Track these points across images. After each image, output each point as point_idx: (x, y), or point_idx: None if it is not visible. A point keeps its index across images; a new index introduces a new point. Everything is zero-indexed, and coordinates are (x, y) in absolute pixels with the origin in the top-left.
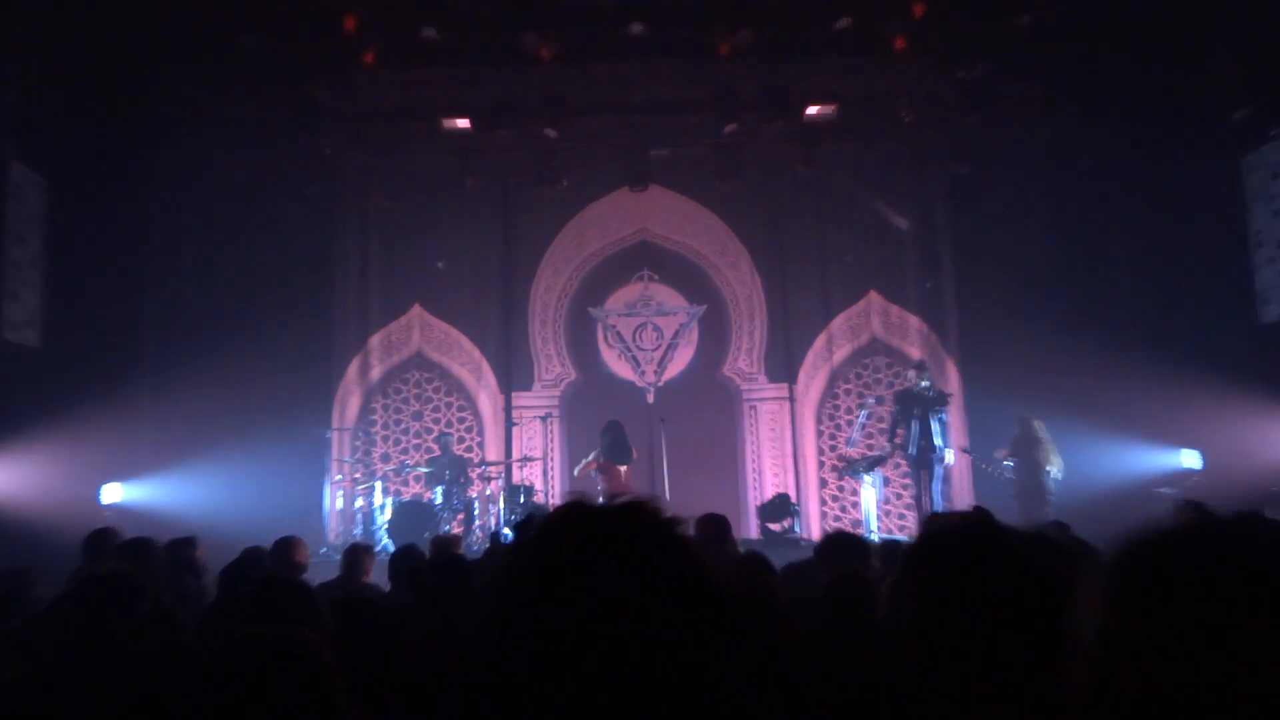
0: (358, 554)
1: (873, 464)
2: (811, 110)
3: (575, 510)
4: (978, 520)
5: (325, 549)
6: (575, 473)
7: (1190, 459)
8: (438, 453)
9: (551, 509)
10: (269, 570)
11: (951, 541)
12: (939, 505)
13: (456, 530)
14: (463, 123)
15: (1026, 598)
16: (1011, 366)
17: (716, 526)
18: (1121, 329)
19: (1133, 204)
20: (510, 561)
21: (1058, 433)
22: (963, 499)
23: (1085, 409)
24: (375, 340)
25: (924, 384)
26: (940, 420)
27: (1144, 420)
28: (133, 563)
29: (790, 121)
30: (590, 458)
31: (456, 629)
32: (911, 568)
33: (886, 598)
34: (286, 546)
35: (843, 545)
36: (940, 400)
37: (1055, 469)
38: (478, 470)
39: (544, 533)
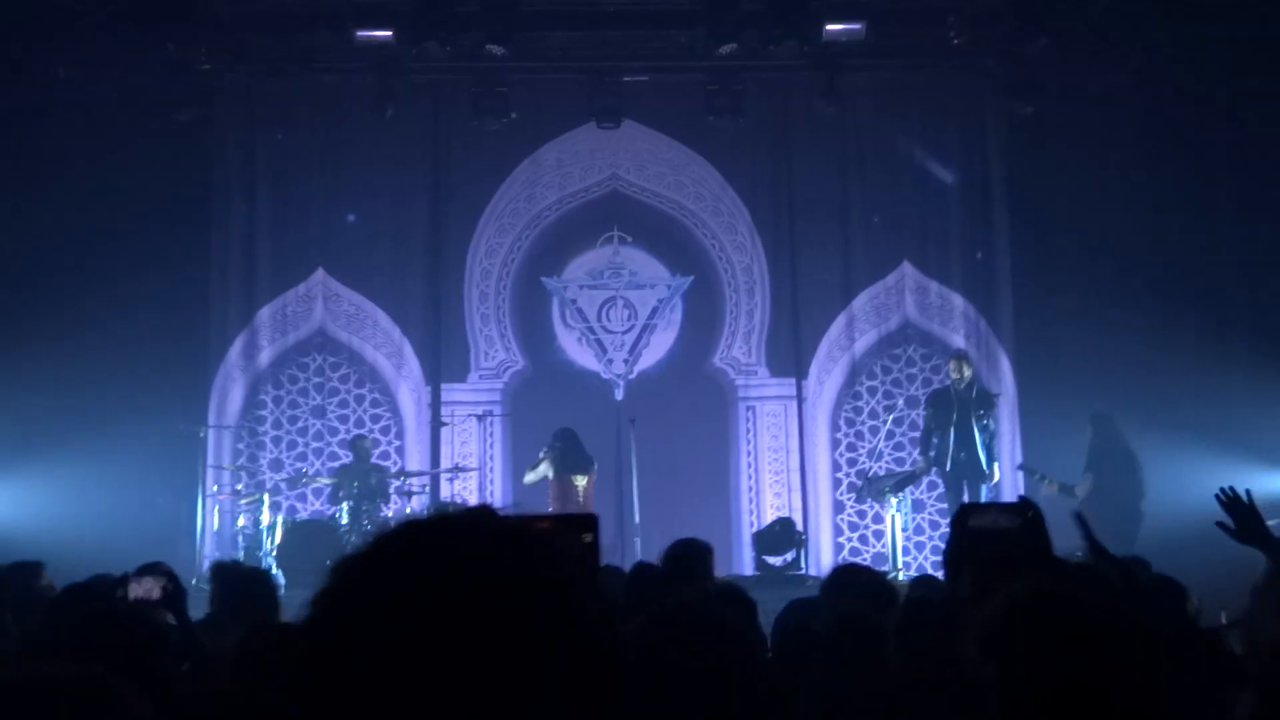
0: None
1: (902, 483)
2: (833, 28)
3: (414, 528)
4: (1084, 580)
5: (196, 579)
6: (526, 480)
7: None
8: (347, 459)
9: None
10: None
11: (1055, 612)
12: None
13: None
14: (383, 34)
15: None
16: (1080, 362)
17: (692, 557)
18: (1224, 320)
19: (1248, 161)
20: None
21: (1138, 446)
22: None
23: (1172, 417)
24: (265, 314)
25: (963, 382)
26: (984, 428)
27: (1247, 434)
28: None
29: (806, 42)
30: (542, 465)
31: None
32: (1000, 643)
33: (896, 652)
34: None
35: (855, 585)
36: (984, 402)
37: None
38: (396, 483)
39: (365, 559)
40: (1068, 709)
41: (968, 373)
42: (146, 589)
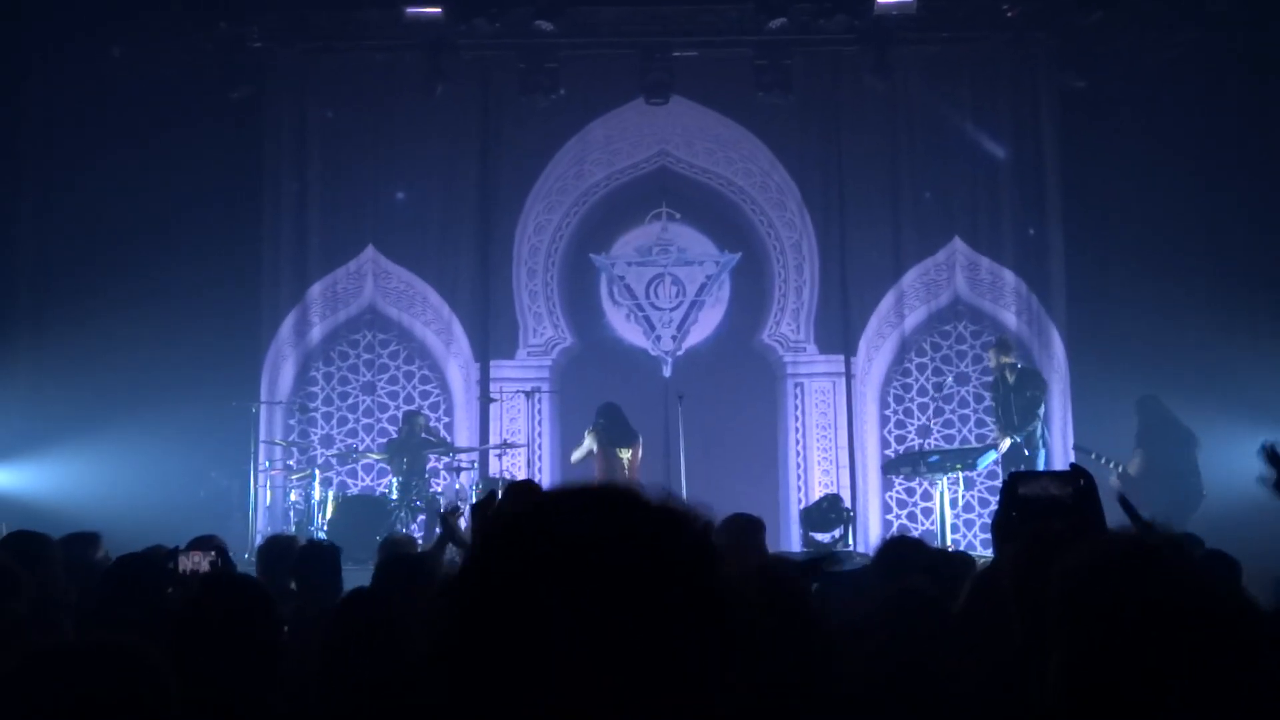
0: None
1: (975, 456)
2: (884, 1)
3: (560, 499)
4: (1149, 545)
5: (249, 554)
6: (573, 459)
7: None
8: (396, 435)
9: (519, 491)
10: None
11: (1124, 575)
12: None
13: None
14: (432, 10)
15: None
16: (1133, 338)
17: (745, 532)
18: None
19: None
20: (473, 563)
21: (1191, 423)
22: None
23: (1226, 394)
24: (316, 291)
25: (1001, 368)
26: (1024, 406)
27: None
28: (21, 560)
29: (856, 16)
30: (587, 440)
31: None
32: (1074, 611)
33: (960, 624)
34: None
35: (904, 555)
36: (1024, 384)
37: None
38: (445, 459)
39: (514, 529)
40: (1134, 677)
41: (1004, 359)
42: (195, 562)
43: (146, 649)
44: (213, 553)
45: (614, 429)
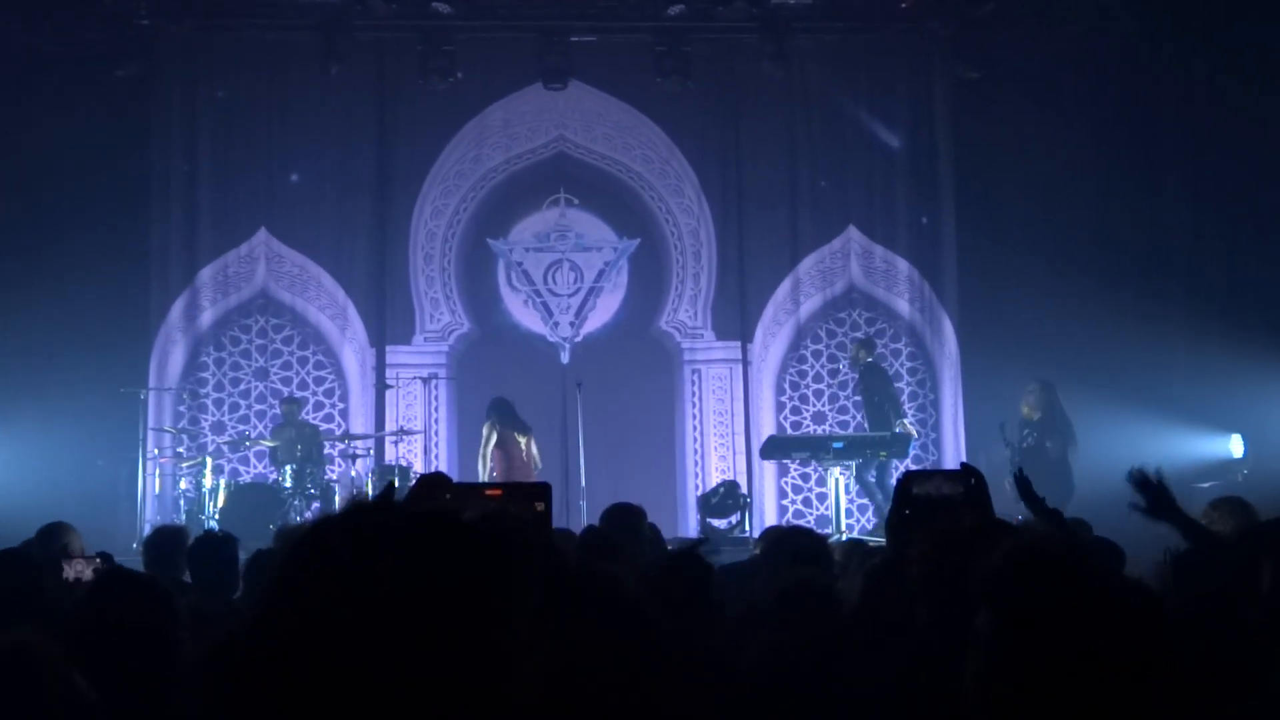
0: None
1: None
2: None
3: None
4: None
5: (138, 544)
6: (482, 468)
7: (1236, 446)
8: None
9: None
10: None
11: (1051, 573)
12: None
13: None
14: None
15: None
16: (1024, 325)
17: (625, 520)
18: (1164, 284)
19: (1193, 128)
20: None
21: (1076, 409)
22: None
23: (1111, 381)
24: (206, 274)
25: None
26: (879, 407)
27: (1183, 397)
28: None
29: (754, 4)
30: (486, 436)
31: None
32: (995, 602)
33: (857, 608)
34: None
35: (795, 547)
36: (864, 381)
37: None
38: (340, 446)
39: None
40: (1060, 671)
41: (861, 354)
42: (79, 570)
43: (38, 643)
44: (97, 560)
45: (507, 426)
